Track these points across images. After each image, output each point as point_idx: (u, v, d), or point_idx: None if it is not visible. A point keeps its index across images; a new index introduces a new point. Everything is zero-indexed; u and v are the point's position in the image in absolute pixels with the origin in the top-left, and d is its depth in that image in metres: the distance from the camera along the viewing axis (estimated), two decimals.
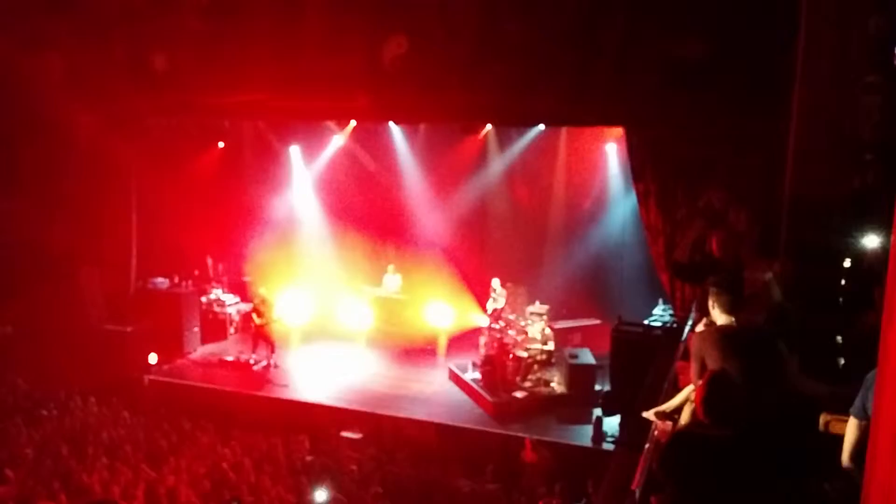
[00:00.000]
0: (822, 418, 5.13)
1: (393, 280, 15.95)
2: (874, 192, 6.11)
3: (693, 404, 4.90)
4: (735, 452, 3.17)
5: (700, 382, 3.39)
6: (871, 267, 6.14)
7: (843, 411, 5.31)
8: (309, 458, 10.73)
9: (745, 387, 3.35)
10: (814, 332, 5.37)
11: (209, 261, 16.53)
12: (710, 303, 4.73)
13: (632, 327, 11.61)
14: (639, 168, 11.06)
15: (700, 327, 5.08)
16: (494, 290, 14.68)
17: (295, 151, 16.72)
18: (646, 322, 11.94)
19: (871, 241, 6.06)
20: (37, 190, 13.54)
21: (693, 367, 4.62)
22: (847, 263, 6.15)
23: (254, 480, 9.70)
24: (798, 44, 6.64)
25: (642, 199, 11.13)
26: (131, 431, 11.28)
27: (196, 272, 16.10)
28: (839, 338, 5.88)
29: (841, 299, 5.94)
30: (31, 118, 13.31)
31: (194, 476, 9.72)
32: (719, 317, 4.69)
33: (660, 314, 12.38)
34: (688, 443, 3.41)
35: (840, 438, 4.73)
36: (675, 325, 11.07)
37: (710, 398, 3.31)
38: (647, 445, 5.31)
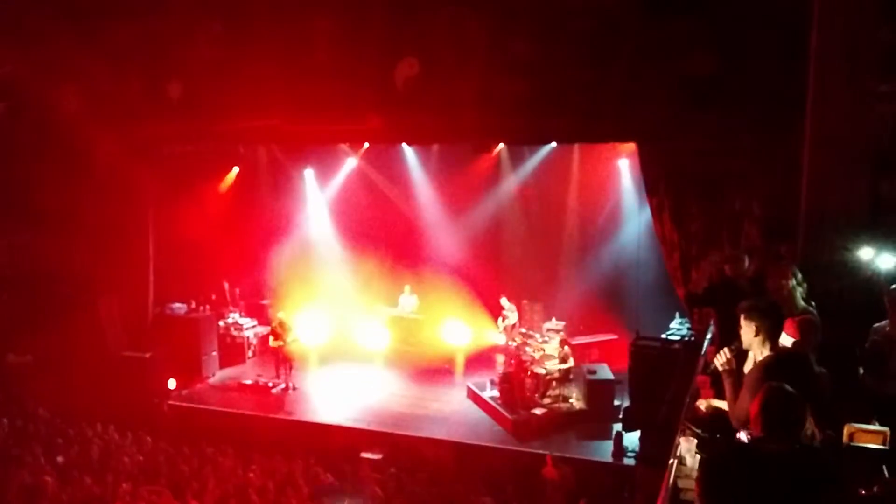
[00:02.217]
0: (847, 430, 5.10)
1: (409, 300, 15.99)
2: (891, 202, 6.11)
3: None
4: (788, 468, 3.12)
5: (758, 395, 3.31)
6: (885, 277, 6.13)
7: (865, 421, 5.28)
8: (330, 479, 10.72)
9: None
10: (832, 343, 5.35)
11: (226, 285, 16.65)
12: (750, 330, 4.55)
13: (650, 342, 11.56)
14: (652, 182, 11.07)
15: (725, 354, 4.96)
16: (504, 308, 14.76)
17: (309, 174, 16.88)
18: (663, 336, 11.89)
19: (887, 251, 6.04)
20: (56, 218, 13.71)
21: (743, 396, 4.44)
22: (863, 274, 6.15)
23: (276, 502, 9.71)
24: (810, 56, 6.66)
25: (656, 213, 11.13)
26: (152, 457, 11.31)
27: (213, 296, 16.22)
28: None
29: (857, 310, 5.91)
30: (50, 146, 13.53)
31: (217, 501, 9.73)
32: (760, 346, 4.50)
33: (677, 328, 12.34)
34: (735, 458, 3.35)
35: (865, 449, 4.70)
36: (693, 339, 11.01)
37: (769, 410, 3.22)
38: (670, 461, 5.30)
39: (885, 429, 4.75)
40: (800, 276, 5.60)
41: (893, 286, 5.61)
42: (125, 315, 14.47)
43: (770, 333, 4.45)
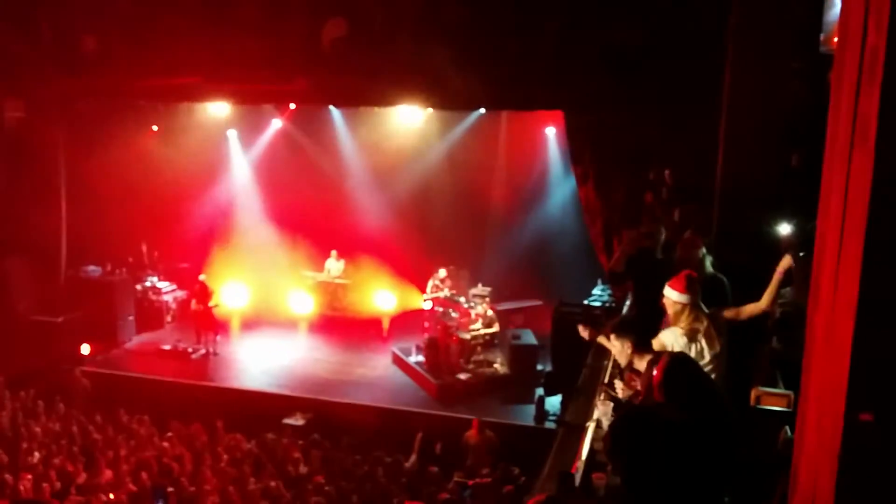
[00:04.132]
0: (753, 393, 5.33)
1: (335, 264, 15.85)
2: (800, 175, 6.37)
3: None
4: (689, 436, 3.21)
5: (660, 362, 3.37)
6: (794, 247, 6.41)
7: (772, 385, 5.54)
8: (250, 446, 10.61)
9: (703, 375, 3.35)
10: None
11: (144, 247, 16.11)
12: (625, 347, 4.63)
13: (572, 307, 11.82)
14: (577, 151, 11.23)
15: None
16: (441, 279, 14.72)
17: (232, 135, 16.39)
18: (586, 302, 12.17)
19: (795, 222, 6.30)
20: None
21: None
22: (773, 244, 6.39)
23: (193, 471, 9.55)
24: (728, 30, 6.84)
25: (581, 181, 11.31)
26: (65, 425, 10.94)
27: (130, 259, 15.67)
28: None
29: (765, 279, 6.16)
30: None
31: (131, 468, 9.51)
32: (639, 359, 4.51)
33: (599, 294, 12.63)
34: (640, 422, 3.43)
35: (771, 412, 4.94)
36: (613, 305, 11.31)
37: (669, 379, 3.27)
38: (587, 424, 5.45)
39: (790, 392, 5.01)
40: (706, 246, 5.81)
41: (801, 254, 5.88)
42: (36, 278, 13.85)
43: (643, 344, 4.55)
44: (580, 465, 4.73)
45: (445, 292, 14.44)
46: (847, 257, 1.82)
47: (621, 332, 4.71)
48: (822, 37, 7.46)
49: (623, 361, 4.73)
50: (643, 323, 4.67)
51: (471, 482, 9.31)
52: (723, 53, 7.26)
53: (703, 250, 5.58)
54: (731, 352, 4.90)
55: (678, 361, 3.29)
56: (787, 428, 4.52)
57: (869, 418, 1.77)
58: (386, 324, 15.08)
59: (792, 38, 6.76)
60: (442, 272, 14.64)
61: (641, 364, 4.50)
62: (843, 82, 2.01)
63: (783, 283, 6.02)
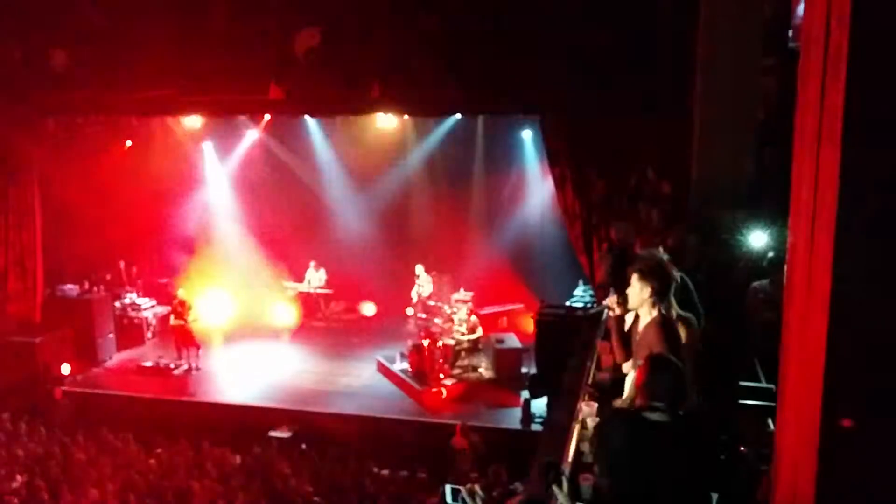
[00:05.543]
0: (736, 388, 5.37)
1: (315, 275, 15.78)
2: (772, 173, 6.45)
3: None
4: (669, 437, 3.22)
5: (642, 365, 3.38)
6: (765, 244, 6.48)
7: (755, 380, 5.58)
8: (237, 460, 10.53)
9: (686, 374, 3.34)
10: (714, 306, 5.61)
11: (122, 264, 15.94)
12: (644, 291, 4.29)
13: (554, 309, 11.85)
14: (554, 154, 11.26)
15: (614, 308, 4.84)
16: (418, 277, 14.81)
17: (208, 147, 16.28)
18: (567, 303, 12.21)
19: (767, 220, 6.38)
20: None
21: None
22: (744, 241, 6.47)
23: (181, 487, 9.45)
24: (698, 29, 6.90)
25: (559, 183, 11.34)
26: (47, 447, 10.78)
27: (108, 276, 15.50)
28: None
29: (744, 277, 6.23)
30: None
31: (119, 488, 9.39)
32: (650, 308, 4.27)
33: (580, 295, 12.69)
34: (625, 423, 3.45)
35: (754, 407, 4.98)
36: (595, 305, 11.35)
37: (652, 381, 3.28)
38: (573, 425, 5.46)
39: (772, 386, 5.05)
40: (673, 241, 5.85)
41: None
42: (12, 298, 13.65)
43: (661, 295, 4.29)
44: (566, 466, 4.73)
45: (427, 288, 14.47)
46: (818, 253, 1.84)
47: (648, 274, 4.25)
48: (790, 32, 7.57)
49: (634, 304, 4.35)
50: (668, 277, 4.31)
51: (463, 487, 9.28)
52: (695, 52, 7.32)
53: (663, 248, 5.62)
54: (717, 347, 4.90)
55: (660, 364, 3.31)
56: (770, 422, 4.56)
57: (848, 423, 1.78)
58: (369, 332, 15.02)
59: (762, 34, 6.83)
60: (419, 268, 14.70)
61: (646, 316, 4.24)
62: (808, 79, 2.03)
63: (759, 276, 6.07)
